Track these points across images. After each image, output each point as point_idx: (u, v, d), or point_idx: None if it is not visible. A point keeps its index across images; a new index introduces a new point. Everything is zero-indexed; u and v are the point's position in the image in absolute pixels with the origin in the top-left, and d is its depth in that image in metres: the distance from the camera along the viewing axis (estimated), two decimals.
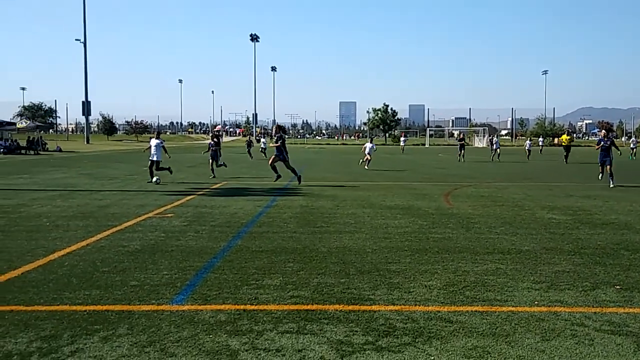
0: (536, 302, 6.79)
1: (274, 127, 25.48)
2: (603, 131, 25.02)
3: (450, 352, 5.22)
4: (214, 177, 25.20)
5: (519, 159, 47.06)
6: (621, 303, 6.79)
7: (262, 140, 50.98)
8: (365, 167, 33.90)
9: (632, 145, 56.75)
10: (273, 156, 23.78)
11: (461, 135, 52.51)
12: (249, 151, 47.03)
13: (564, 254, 9.46)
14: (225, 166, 27.93)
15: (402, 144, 75.58)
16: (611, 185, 21.77)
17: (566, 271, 8.30)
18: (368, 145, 35.80)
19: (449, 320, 6.11)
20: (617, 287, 7.49)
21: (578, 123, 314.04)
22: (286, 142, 23.65)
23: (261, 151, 48.74)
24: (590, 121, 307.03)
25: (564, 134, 49.03)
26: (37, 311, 6.34)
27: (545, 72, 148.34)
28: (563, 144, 43.41)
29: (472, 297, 6.98)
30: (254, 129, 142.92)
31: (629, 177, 26.78)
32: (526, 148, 51.44)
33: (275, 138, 23.62)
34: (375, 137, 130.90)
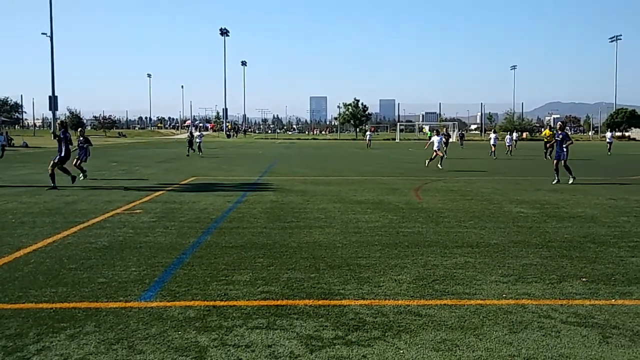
0: (504, 295, 6.85)
1: (58, 123, 20.63)
2: (559, 123, 23.62)
3: (419, 346, 5.25)
4: (85, 177, 21.76)
5: (499, 155, 47.17)
6: (587, 295, 6.89)
7: (197, 134, 46.20)
8: (439, 165, 29.03)
9: (608, 140, 52.77)
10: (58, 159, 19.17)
11: (444, 130, 47.91)
12: (190, 147, 42.77)
13: (531, 247, 9.57)
14: (83, 176, 21.81)
15: (367, 138, 67.49)
16: (570, 182, 20.81)
17: (534, 264, 8.40)
18: (435, 139, 30.18)
19: (418, 314, 6.14)
20: (583, 279, 7.60)
21: (546, 117, 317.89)
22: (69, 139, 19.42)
23: (197, 147, 43.58)
24: (558, 116, 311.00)
25: (546, 129, 45.97)
26: (1, 309, 6.23)
27: (513, 67, 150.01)
28: (545, 139, 41.84)
29: (441, 291, 7.02)
30: (224, 124, 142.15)
31: (596, 172, 27.20)
32: (506, 144, 46.91)
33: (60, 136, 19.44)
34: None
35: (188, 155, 40.38)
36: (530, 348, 5.21)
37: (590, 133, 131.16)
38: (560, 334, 5.58)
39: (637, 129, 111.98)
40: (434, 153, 29.43)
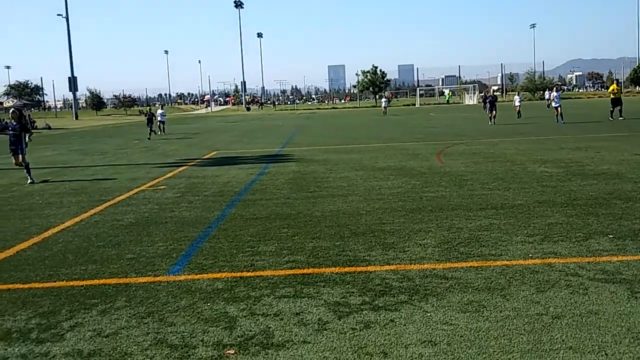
0: (530, 255, 6.84)
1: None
2: None
3: (447, 308, 5.27)
4: (31, 181, 15.36)
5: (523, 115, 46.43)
6: (614, 252, 6.85)
7: (160, 112, 38.77)
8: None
9: None
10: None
11: (490, 91, 39.23)
12: (150, 127, 34.93)
13: (556, 206, 9.50)
14: (28, 175, 15.63)
15: (383, 106, 63.81)
16: None
17: (559, 223, 8.35)
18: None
19: (445, 277, 6.15)
20: (610, 236, 7.54)
21: (568, 75, 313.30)
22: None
23: (159, 126, 37.91)
24: (580, 73, 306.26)
25: (613, 83, 38.00)
26: (34, 288, 6.36)
27: (533, 26, 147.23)
28: (612, 95, 34.04)
29: (467, 253, 7.02)
30: (243, 97, 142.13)
31: (621, 128, 26.79)
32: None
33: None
34: (366, 99, 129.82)
35: (149, 139, 33.09)
36: (558, 306, 5.20)
37: None
38: (588, 291, 5.56)
39: None
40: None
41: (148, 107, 45.31)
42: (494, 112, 34.05)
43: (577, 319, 4.89)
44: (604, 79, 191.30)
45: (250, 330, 4.96)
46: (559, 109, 33.10)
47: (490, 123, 33.54)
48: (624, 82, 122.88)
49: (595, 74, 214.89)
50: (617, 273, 6.04)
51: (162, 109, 41.25)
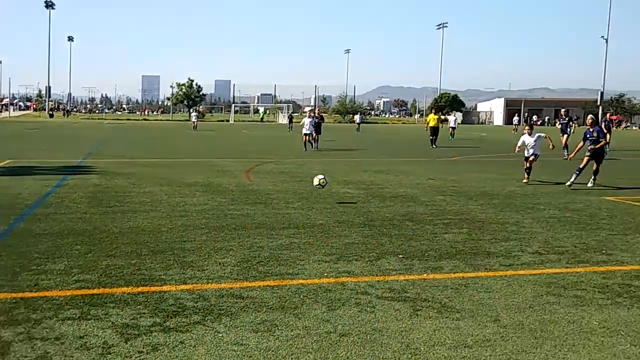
0: (325, 274, 7.02)
1: None
2: (590, 116, 16.90)
3: (239, 328, 5.23)
4: None
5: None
6: (402, 271, 7.24)
7: None
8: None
9: (451, 125, 44.45)
10: None
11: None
12: None
13: (354, 227, 9.89)
14: None
15: (193, 120, 59.24)
16: (590, 185, 15.80)
17: (355, 243, 8.69)
18: (531, 138, 17.54)
19: (241, 297, 6.12)
20: (400, 256, 7.97)
21: (376, 101, 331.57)
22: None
23: None
24: (388, 99, 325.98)
25: (431, 112, 38.52)
26: None
27: (347, 51, 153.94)
28: (430, 124, 33.55)
29: (265, 272, 7.06)
30: (46, 103, 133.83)
31: (418, 154, 28.66)
32: (357, 122, 44.07)
33: None
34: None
35: None
36: (346, 324, 5.37)
37: (416, 116, 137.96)
38: (375, 308, 5.80)
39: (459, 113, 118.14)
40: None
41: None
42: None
43: (362, 337, 5.08)
44: (409, 106, 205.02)
45: (26, 356, 4.58)
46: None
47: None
48: (425, 110, 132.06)
49: (401, 101, 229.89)
50: (403, 291, 6.38)
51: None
